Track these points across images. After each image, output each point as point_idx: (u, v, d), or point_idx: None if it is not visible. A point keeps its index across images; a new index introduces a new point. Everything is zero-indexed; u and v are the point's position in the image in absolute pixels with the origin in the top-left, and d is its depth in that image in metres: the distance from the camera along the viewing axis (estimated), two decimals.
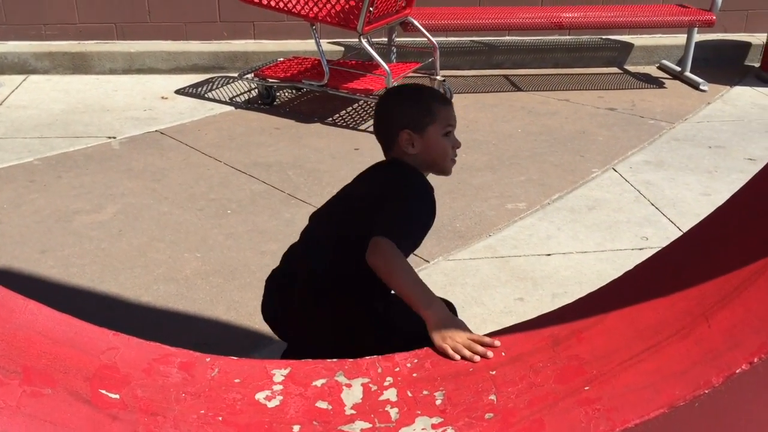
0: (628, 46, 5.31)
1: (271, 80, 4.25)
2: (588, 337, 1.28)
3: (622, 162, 3.62)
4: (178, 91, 4.53)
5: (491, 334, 1.47)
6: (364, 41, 3.98)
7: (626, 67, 5.29)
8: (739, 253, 1.22)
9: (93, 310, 2.39)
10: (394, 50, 4.74)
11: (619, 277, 1.39)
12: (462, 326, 1.42)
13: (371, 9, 3.85)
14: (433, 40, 4.32)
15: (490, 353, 1.33)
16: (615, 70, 5.24)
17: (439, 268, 2.67)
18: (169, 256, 2.71)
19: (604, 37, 5.36)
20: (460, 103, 4.42)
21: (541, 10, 4.78)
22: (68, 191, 3.19)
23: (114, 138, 3.78)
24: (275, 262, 2.69)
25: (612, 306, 1.32)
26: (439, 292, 2.51)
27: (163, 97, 4.43)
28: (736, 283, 1.18)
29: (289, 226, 2.92)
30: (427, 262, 2.70)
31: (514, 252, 2.79)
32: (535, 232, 2.95)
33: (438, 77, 4.35)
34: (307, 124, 4.04)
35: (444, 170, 1.79)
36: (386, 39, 4.77)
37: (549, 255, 2.78)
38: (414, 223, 1.64)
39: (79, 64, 4.80)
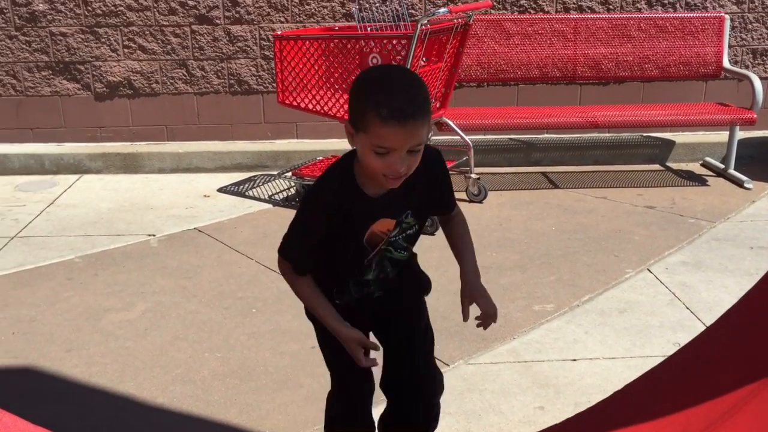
0: (670, 144, 5.26)
1: (307, 179, 4.36)
2: None
3: (658, 262, 3.53)
4: (220, 189, 4.68)
5: None
6: None
7: (668, 164, 5.23)
8: (728, 376, 1.16)
9: (108, 411, 2.40)
10: None
11: (609, 397, 1.34)
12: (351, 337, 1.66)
13: None
14: (467, 139, 4.38)
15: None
16: (657, 167, 5.19)
17: (459, 373, 2.60)
18: (189, 355, 2.73)
19: (645, 134, 5.34)
20: (495, 200, 4.42)
21: (576, 109, 4.81)
22: (102, 289, 3.28)
23: (153, 236, 3.91)
24: (294, 363, 2.70)
25: (599, 429, 1.26)
26: (456, 399, 2.45)
27: (205, 196, 4.58)
28: (723, 410, 1.12)
29: (311, 326, 2.91)
30: (447, 365, 2.64)
31: (537, 356, 2.71)
32: (562, 335, 2.86)
33: (473, 175, 4.39)
34: None
35: (381, 184, 1.55)
36: None
37: (574, 360, 2.69)
38: (294, 231, 1.66)
39: (130, 164, 5.03)
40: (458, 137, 4.43)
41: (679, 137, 5.30)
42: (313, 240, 1.65)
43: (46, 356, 2.72)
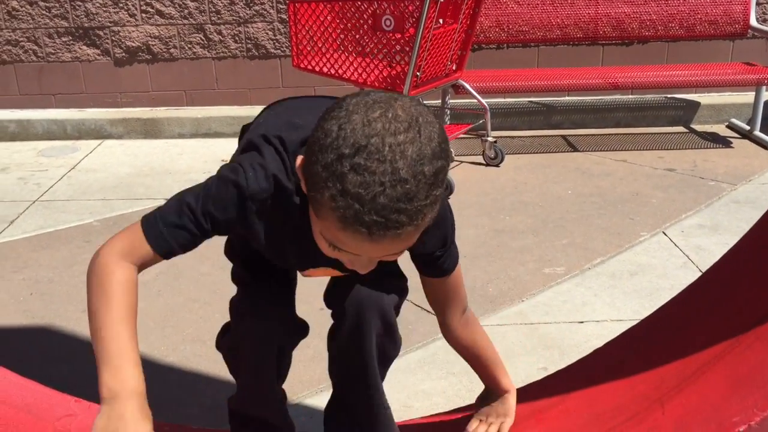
0: (695, 105, 5.15)
1: None
2: (546, 419, 1.23)
3: (674, 225, 3.48)
4: None
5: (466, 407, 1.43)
6: None
7: (693, 126, 5.12)
8: (702, 335, 1.15)
9: None
10: (448, 112, 4.78)
11: (589, 354, 1.34)
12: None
13: (418, 74, 3.92)
14: (484, 102, 4.33)
15: None
16: (681, 129, 5.09)
17: None
18: (200, 316, 2.78)
19: (669, 95, 5.23)
20: (512, 164, 4.38)
21: (596, 70, 4.72)
22: None
23: None
24: None
25: (576, 386, 1.27)
26: (460, 359, 2.46)
27: (223, 160, 4.61)
28: (695, 367, 1.11)
29: (321, 286, 2.94)
30: None
31: (545, 319, 2.71)
32: (570, 298, 2.86)
33: (489, 138, 4.35)
34: None
35: None
36: (440, 101, 4.82)
37: (581, 323, 2.68)
38: (182, 203, 1.17)
39: (150, 129, 5.08)
40: (475, 100, 4.38)
41: (704, 98, 5.17)
42: (204, 235, 1.20)
43: (62, 316, 2.80)
